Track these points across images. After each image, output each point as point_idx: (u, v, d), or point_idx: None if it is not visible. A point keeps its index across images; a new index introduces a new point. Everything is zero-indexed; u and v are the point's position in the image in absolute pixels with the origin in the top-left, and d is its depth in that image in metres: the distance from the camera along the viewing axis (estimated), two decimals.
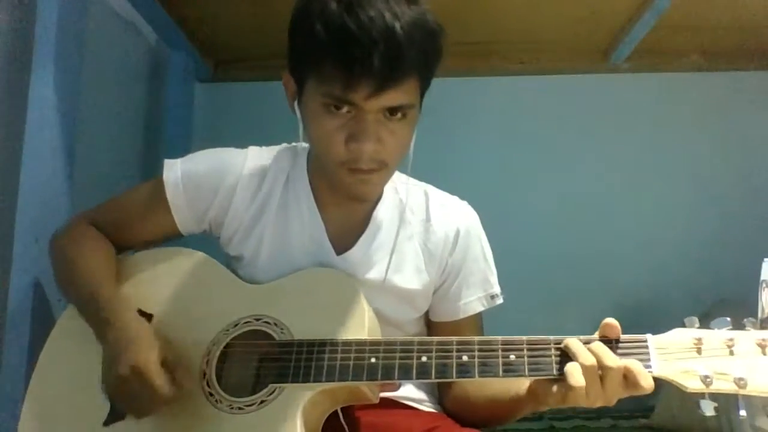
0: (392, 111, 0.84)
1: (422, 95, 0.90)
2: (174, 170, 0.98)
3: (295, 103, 0.91)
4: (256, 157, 1.00)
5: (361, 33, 0.77)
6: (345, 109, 0.83)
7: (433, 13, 0.86)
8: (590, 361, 0.74)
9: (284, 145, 1.03)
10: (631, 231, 2.10)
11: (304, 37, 0.84)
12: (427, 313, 1.03)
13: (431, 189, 1.05)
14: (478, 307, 1.00)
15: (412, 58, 0.80)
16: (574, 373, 0.74)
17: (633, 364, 0.73)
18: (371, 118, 0.83)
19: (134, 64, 1.87)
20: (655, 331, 0.77)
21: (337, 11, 0.79)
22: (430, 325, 1.04)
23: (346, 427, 0.88)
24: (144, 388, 0.78)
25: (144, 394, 0.78)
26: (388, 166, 0.89)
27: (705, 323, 0.76)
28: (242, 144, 1.04)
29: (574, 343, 0.77)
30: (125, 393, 0.80)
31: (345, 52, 0.78)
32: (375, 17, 0.78)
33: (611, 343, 0.76)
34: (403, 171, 0.99)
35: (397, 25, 0.78)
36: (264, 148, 1.03)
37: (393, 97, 0.82)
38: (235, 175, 0.98)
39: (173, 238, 1.01)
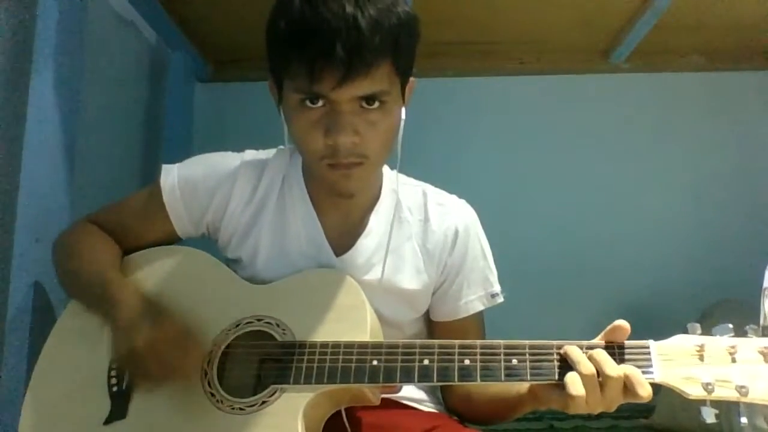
0: (368, 101, 0.83)
1: (403, 85, 0.89)
2: (171, 175, 0.98)
3: (281, 107, 0.91)
4: (251, 160, 1.00)
5: (322, 24, 0.77)
6: (319, 102, 0.83)
7: (405, 3, 0.85)
8: (590, 370, 0.73)
9: (280, 147, 1.03)
10: (631, 231, 2.11)
11: (272, 38, 0.85)
12: (427, 313, 1.03)
13: (429, 188, 1.04)
14: (478, 306, 1.00)
15: (378, 44, 0.79)
16: (575, 382, 0.73)
17: (632, 371, 0.73)
18: (346, 110, 0.82)
19: (134, 64, 1.87)
20: (656, 331, 0.77)
21: (299, 6, 0.80)
22: (431, 326, 1.04)
23: (348, 427, 0.88)
24: (167, 356, 0.80)
25: (164, 364, 0.80)
26: (370, 158, 0.87)
27: (705, 323, 0.76)
28: (242, 144, 1.04)
29: (574, 351, 0.76)
30: (143, 365, 0.81)
31: (307, 45, 0.79)
32: (336, 9, 0.78)
33: (614, 349, 0.76)
34: (392, 167, 0.99)
35: (360, 14, 0.78)
36: (260, 151, 1.03)
37: (363, 85, 0.81)
38: (231, 178, 0.98)
39: (172, 242, 1.01)
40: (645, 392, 0.72)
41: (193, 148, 2.04)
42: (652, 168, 2.14)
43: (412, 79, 0.92)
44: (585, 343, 0.77)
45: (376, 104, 0.84)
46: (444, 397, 1.03)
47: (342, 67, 0.78)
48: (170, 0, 1.75)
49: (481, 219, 1.03)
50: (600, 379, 0.73)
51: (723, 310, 1.62)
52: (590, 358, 0.75)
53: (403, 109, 0.90)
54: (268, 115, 0.94)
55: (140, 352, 0.80)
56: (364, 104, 0.83)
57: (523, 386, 0.83)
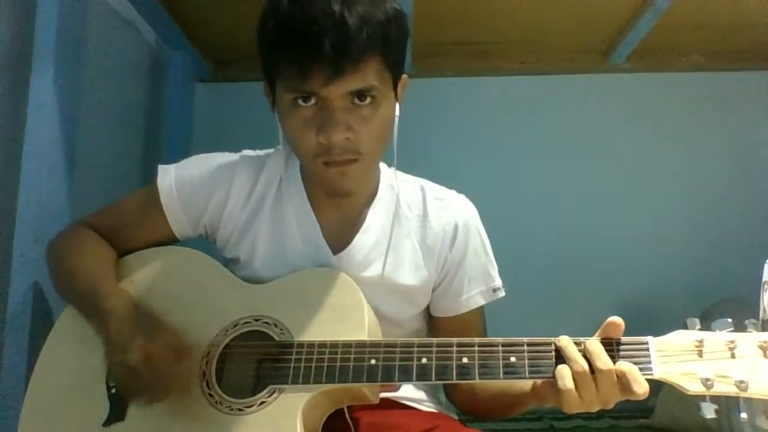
0: (359, 96, 0.84)
1: (395, 81, 0.89)
2: (168, 176, 0.98)
3: (275, 109, 0.91)
4: (249, 160, 1.00)
5: (310, 23, 0.78)
6: (312, 101, 0.83)
7: (393, 1, 0.86)
8: (580, 364, 0.73)
9: (278, 147, 1.03)
10: (631, 231, 2.10)
11: (262, 40, 0.86)
12: (427, 309, 1.03)
13: (427, 184, 1.04)
14: (480, 301, 1.00)
15: (365, 39, 0.80)
16: (564, 376, 0.74)
17: (628, 368, 0.72)
18: (338, 106, 0.83)
19: (134, 64, 1.87)
20: (656, 331, 0.77)
21: (287, 7, 0.81)
22: (433, 321, 1.04)
23: (351, 425, 0.88)
24: (163, 370, 0.79)
25: (161, 378, 0.79)
26: (364, 155, 0.87)
27: (705, 323, 0.75)
28: (242, 144, 1.04)
29: (566, 344, 0.76)
30: (139, 379, 0.80)
31: (297, 44, 0.80)
32: (323, 7, 0.79)
33: (612, 345, 0.75)
34: (390, 165, 0.99)
35: (346, 11, 0.79)
36: (257, 151, 1.03)
37: (352, 80, 0.81)
38: (228, 178, 0.98)
39: (169, 243, 1.01)
40: (641, 389, 0.71)
41: (193, 148, 2.04)
42: (652, 168, 2.14)
43: (404, 75, 0.92)
44: (582, 340, 0.77)
45: (368, 100, 0.84)
46: (447, 392, 1.04)
47: (330, 64, 0.79)
48: (170, 0, 1.75)
49: (481, 219, 1.03)
50: (592, 373, 0.73)
51: (723, 310, 1.62)
52: (584, 350, 0.75)
53: (397, 106, 0.91)
54: (268, 116, 0.94)
55: (133, 372, 0.79)
56: (355, 100, 0.84)
57: (526, 383, 0.83)
